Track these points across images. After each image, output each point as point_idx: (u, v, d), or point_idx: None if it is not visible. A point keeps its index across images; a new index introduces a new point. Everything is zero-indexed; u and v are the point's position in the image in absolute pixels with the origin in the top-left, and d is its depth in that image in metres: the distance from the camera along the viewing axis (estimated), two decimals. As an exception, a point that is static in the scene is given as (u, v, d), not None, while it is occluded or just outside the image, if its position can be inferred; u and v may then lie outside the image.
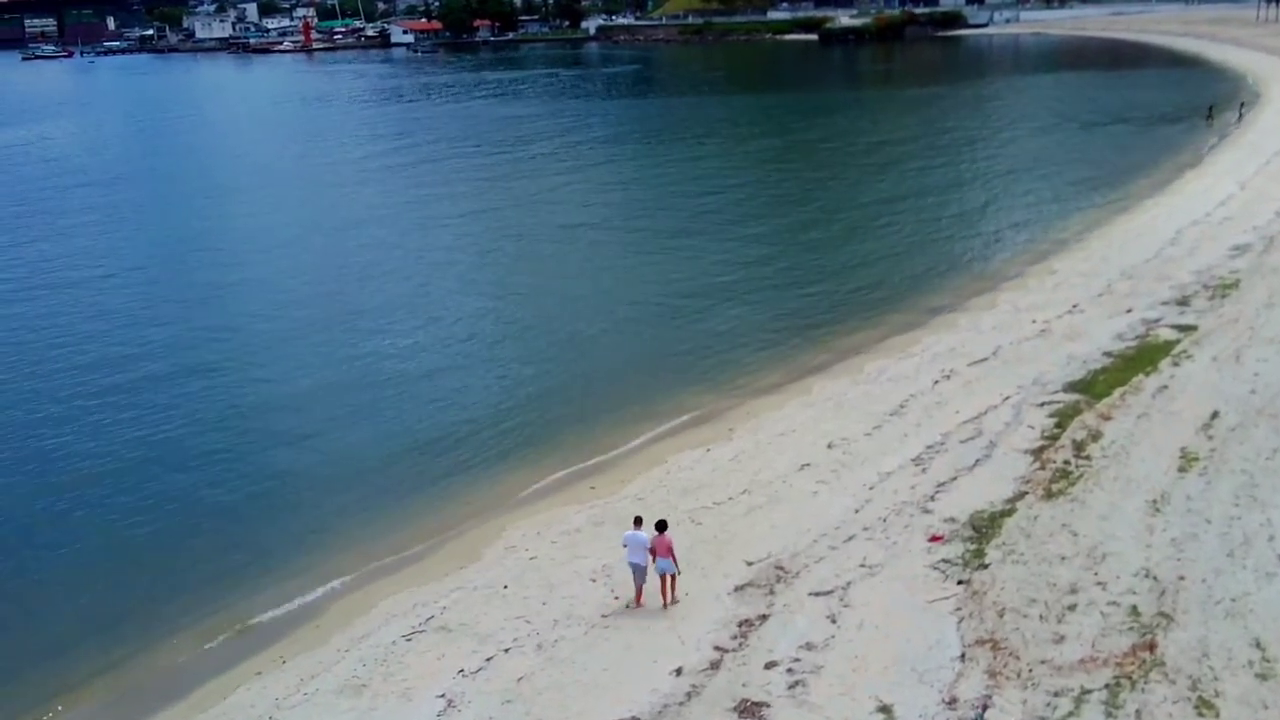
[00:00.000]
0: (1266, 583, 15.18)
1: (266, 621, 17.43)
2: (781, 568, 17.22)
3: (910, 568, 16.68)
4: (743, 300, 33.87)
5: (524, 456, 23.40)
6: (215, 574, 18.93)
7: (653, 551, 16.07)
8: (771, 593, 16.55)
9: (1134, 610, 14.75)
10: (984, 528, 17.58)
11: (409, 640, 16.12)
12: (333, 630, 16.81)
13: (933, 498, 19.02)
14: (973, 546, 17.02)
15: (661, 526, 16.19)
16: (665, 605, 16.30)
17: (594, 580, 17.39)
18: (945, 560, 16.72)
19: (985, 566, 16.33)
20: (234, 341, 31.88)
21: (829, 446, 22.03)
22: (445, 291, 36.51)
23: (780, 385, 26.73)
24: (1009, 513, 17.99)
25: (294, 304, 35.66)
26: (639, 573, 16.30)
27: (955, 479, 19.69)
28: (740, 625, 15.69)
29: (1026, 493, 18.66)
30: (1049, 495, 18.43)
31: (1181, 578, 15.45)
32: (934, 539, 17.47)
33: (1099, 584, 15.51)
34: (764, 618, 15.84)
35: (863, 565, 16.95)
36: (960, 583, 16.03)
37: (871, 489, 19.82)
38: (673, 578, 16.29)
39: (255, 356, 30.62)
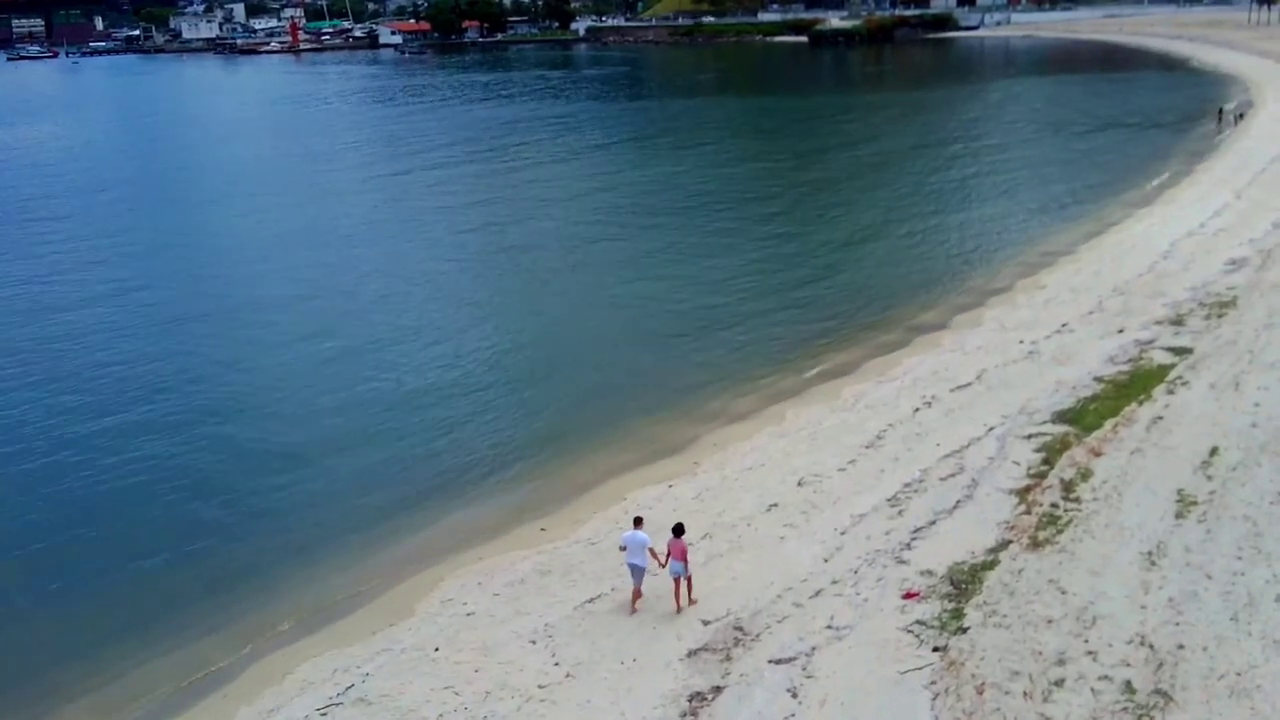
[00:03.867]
0: (1275, 653, 13.61)
1: (169, 691, 15.67)
2: (741, 629, 15.63)
3: (882, 630, 15.09)
4: (716, 318, 32.18)
5: (472, 493, 21.76)
6: (110, 635, 17.16)
7: (658, 556, 15.99)
8: (728, 658, 14.97)
9: (1128, 687, 13.18)
10: (964, 583, 15.99)
11: (324, 715, 14.47)
12: (241, 701, 15.14)
13: (909, 546, 17.44)
14: (951, 605, 15.43)
15: (678, 531, 16.00)
16: (679, 609, 16.08)
17: (534, 642, 15.77)
18: (920, 622, 15.12)
19: (964, 631, 14.73)
20: (161, 363, 30.05)
21: (799, 484, 20.45)
22: (395, 309, 34.53)
23: (751, 412, 25.15)
24: (991, 565, 16.41)
25: (246, 323, 33.96)
26: (638, 574, 16.06)
27: (934, 523, 18.11)
28: (691, 700, 14.09)
29: (1010, 541, 17.08)
30: (1035, 544, 16.85)
31: (1180, 646, 13.89)
32: (909, 596, 15.88)
33: (1089, 653, 13.93)
34: (718, 690, 14.25)
35: (829, 627, 15.35)
36: (936, 650, 14.44)
37: (843, 534, 18.24)
38: (688, 580, 16.08)
39: (184, 380, 28.64)
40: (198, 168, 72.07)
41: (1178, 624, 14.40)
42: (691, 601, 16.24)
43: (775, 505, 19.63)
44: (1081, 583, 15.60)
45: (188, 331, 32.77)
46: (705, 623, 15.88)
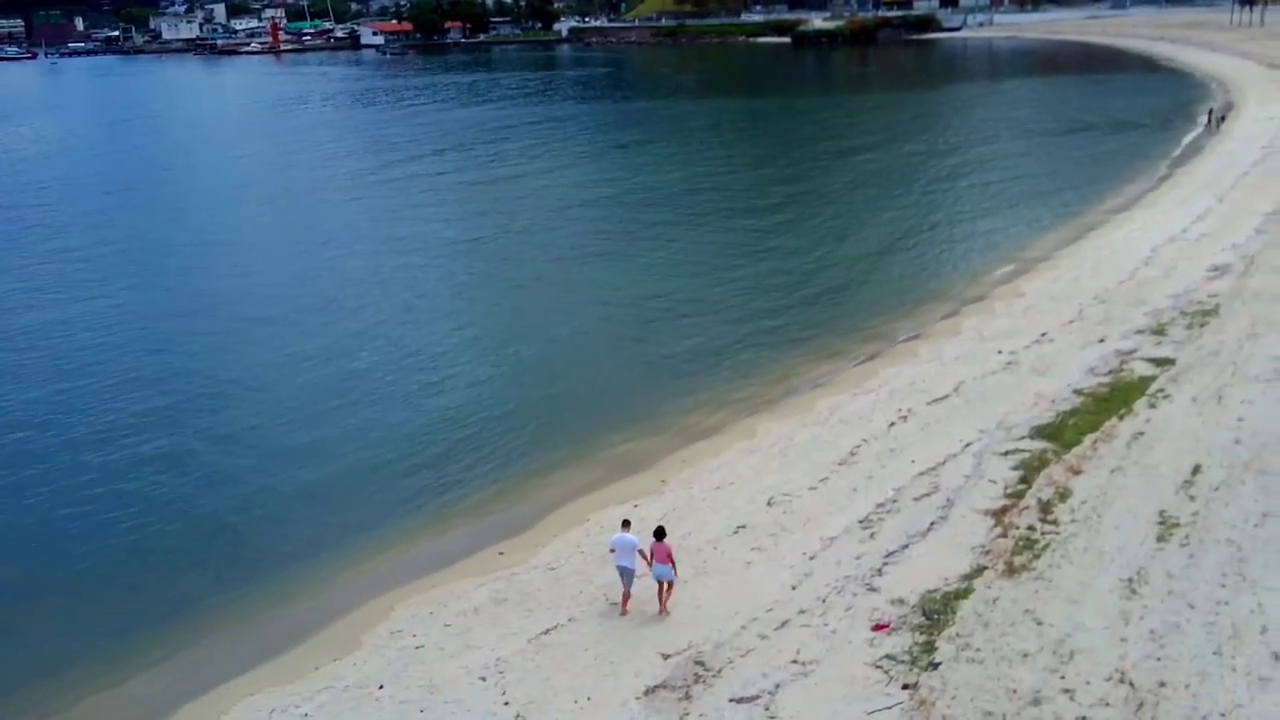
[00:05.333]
0: (1260, 690, 12.91)
1: (94, 733, 14.88)
2: (702, 663, 14.82)
3: (850, 665, 14.32)
4: (687, 328, 31.36)
5: (429, 515, 20.84)
6: (38, 670, 16.23)
7: (647, 557, 16.00)
8: (688, 697, 14.16)
9: (1107, 729, 12.46)
10: (936, 613, 15.23)
11: (256, 761, 13.64)
12: (171, 744, 14.31)
13: (880, 571, 16.69)
14: (922, 638, 14.68)
15: (660, 534, 16.01)
16: (661, 611, 16.09)
17: (484, 679, 14.94)
18: (889, 656, 14.36)
19: (935, 666, 13.98)
20: (112, 383, 28.96)
21: (769, 504, 19.68)
22: (360, 321, 33.36)
23: (722, 426, 24.37)
24: (965, 593, 15.66)
25: (207, 337, 32.98)
26: (627, 577, 16.09)
27: (906, 547, 17.36)
28: (645, 744, 13.30)
29: (985, 567, 16.34)
30: (1011, 571, 16.12)
31: (1162, 684, 13.16)
32: (878, 628, 15.12)
33: (1066, 692, 13.20)
34: (675, 733, 13.45)
35: (795, 661, 14.58)
36: (906, 687, 13.68)
37: (812, 559, 17.47)
38: (670, 584, 16.03)
39: (129, 400, 27.45)
40: (173, 173, 70.62)
41: (1159, 659, 13.68)
42: (664, 610, 16.11)
43: (743, 527, 18.87)
44: (1059, 613, 14.88)
45: (145, 347, 31.58)
46: (665, 656, 15.10)
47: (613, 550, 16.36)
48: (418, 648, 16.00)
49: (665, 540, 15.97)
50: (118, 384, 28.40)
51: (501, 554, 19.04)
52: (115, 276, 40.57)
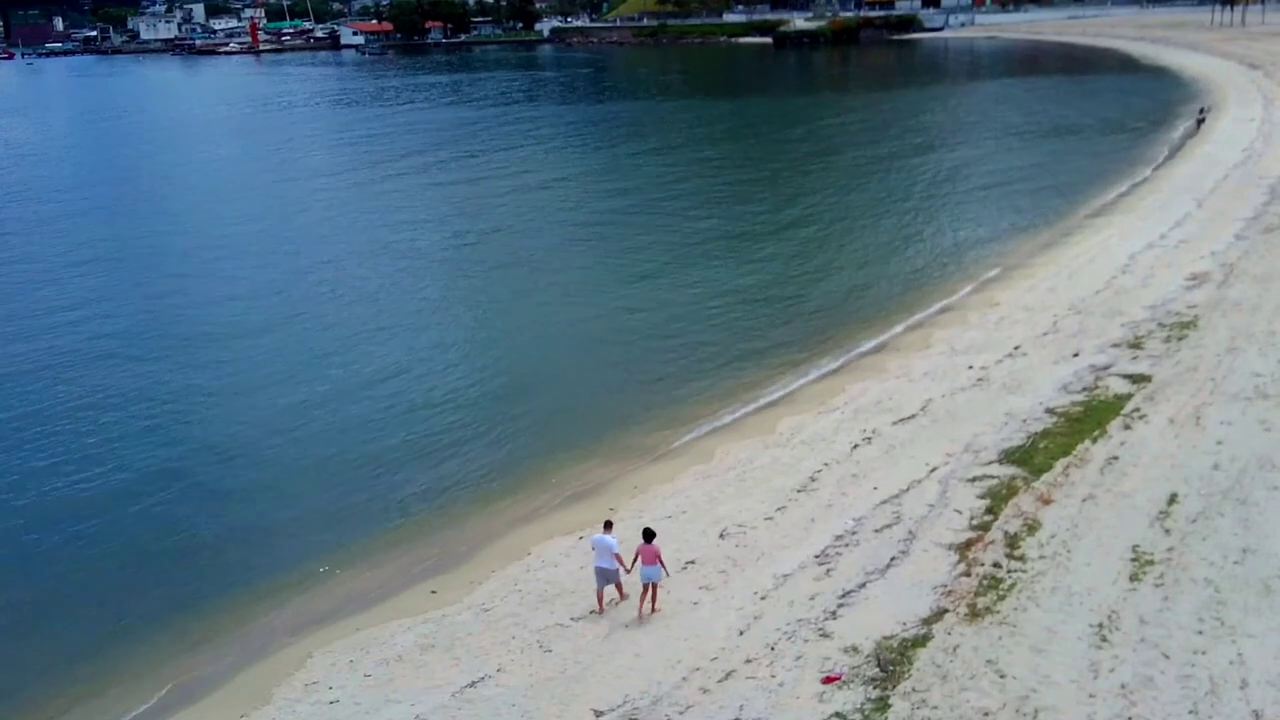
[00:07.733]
0: (1240, 756, 11.80)
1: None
2: (636, 721, 13.64)
3: (796, 724, 13.15)
4: (646, 342, 30.13)
5: (361, 543, 19.61)
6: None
7: (624, 561, 16.07)
8: (618, 761, 12.98)
9: (1072, 804, 11.32)
10: (891, 664, 14.06)
11: (139, 839, 12.38)
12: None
13: (834, 614, 15.51)
14: (875, 693, 13.51)
15: (649, 535, 16.04)
16: (640, 616, 15.96)
17: (400, 740, 13.72)
18: (839, 715, 13.16)
19: (887, 727, 12.82)
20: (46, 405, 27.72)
21: (721, 536, 18.50)
22: (311, 336, 32.14)
23: (678, 449, 23.19)
24: (923, 640, 14.50)
25: (158, 355, 31.62)
26: (604, 577, 16.15)
27: (864, 586, 16.20)
28: (568, 818, 12.10)
29: (947, 610, 15.19)
30: (973, 614, 14.97)
31: (1133, 749, 12.05)
32: (829, 680, 13.94)
33: (1029, 758, 12.06)
34: (601, 805, 12.26)
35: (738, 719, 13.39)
36: (854, 752, 12.53)
37: (763, 599, 16.29)
38: (655, 586, 15.97)
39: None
40: (145, 178, 68.06)
41: (1130, 718, 12.55)
42: (655, 610, 16.04)
43: (692, 562, 17.67)
44: (1023, 664, 13.73)
45: (85, 369, 30.02)
46: (598, 714, 13.89)
47: (593, 549, 16.41)
48: (332, 703, 14.75)
49: (654, 542, 15.92)
50: (45, 408, 27.03)
51: (434, 592, 17.81)
52: (76, 286, 38.96)
